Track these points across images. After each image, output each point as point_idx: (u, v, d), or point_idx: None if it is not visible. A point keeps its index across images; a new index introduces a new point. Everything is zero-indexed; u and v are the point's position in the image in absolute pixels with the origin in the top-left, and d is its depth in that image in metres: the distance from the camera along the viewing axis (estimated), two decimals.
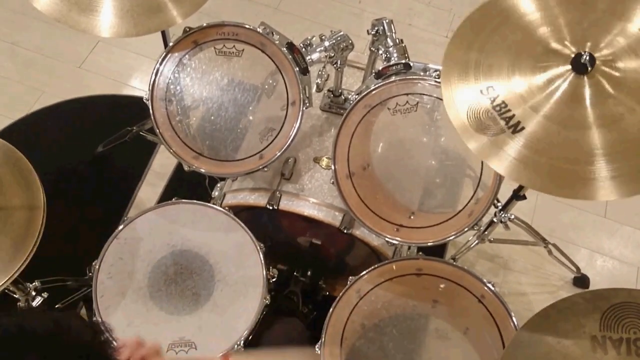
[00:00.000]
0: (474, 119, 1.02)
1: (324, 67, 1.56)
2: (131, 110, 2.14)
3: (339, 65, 1.47)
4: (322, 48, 1.42)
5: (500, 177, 1.21)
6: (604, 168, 0.95)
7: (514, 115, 1.00)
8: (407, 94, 1.30)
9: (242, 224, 1.38)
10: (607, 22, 1.01)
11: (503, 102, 1.02)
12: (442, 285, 1.32)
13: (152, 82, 1.39)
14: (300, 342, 1.34)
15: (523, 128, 1.00)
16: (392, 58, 1.35)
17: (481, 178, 1.33)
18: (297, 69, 1.34)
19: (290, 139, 1.35)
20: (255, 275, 1.34)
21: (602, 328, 0.90)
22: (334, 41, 1.42)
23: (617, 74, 0.98)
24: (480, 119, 1.02)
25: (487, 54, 1.05)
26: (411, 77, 1.25)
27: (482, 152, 1.01)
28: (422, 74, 1.25)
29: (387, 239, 1.32)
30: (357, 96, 1.28)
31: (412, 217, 1.38)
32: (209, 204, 1.42)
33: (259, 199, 1.44)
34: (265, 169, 1.38)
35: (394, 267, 1.32)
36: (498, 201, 1.49)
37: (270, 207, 1.40)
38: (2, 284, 1.16)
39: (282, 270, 1.58)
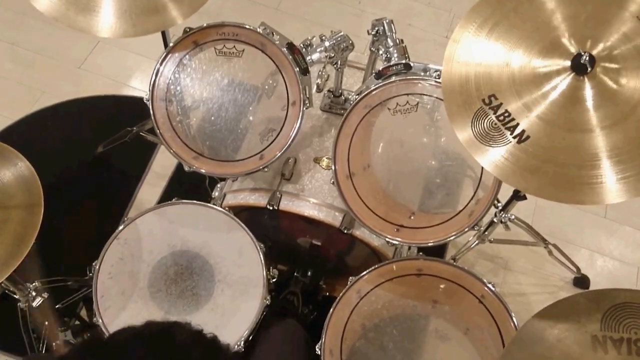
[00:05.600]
0: (479, 131, 1.02)
1: (324, 67, 1.56)
2: (131, 110, 2.15)
3: (339, 65, 1.47)
4: (322, 48, 1.42)
5: None
6: (612, 170, 0.94)
7: (518, 124, 1.00)
8: (407, 94, 1.30)
9: (243, 224, 1.38)
10: (602, 16, 0.99)
11: (506, 110, 1.01)
12: (442, 286, 1.31)
13: (152, 83, 1.39)
14: (298, 342, 1.33)
15: (528, 137, 0.99)
16: (393, 58, 1.35)
17: (481, 178, 1.33)
18: (298, 69, 1.34)
19: (291, 140, 1.35)
20: (255, 275, 1.34)
21: (603, 328, 0.90)
22: (334, 41, 1.42)
23: (617, 68, 0.97)
24: (485, 131, 1.01)
25: (484, 70, 1.04)
26: (411, 77, 1.25)
27: (491, 165, 1.01)
28: (422, 74, 1.25)
29: (387, 239, 1.32)
30: (357, 96, 1.28)
31: (412, 218, 1.38)
32: (209, 205, 1.42)
33: (259, 199, 1.44)
34: (266, 170, 1.38)
35: (394, 267, 1.32)
36: (498, 201, 1.49)
37: (271, 208, 1.40)
38: None
39: (282, 270, 1.58)
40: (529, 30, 1.02)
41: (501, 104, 1.02)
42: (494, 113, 1.02)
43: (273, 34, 1.34)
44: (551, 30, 1.01)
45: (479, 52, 1.05)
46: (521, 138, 0.99)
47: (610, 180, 0.94)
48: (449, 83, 1.06)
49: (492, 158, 1.01)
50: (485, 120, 1.02)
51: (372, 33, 1.40)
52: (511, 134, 1.00)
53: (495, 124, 1.01)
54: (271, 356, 1.28)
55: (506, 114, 1.01)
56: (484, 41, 1.04)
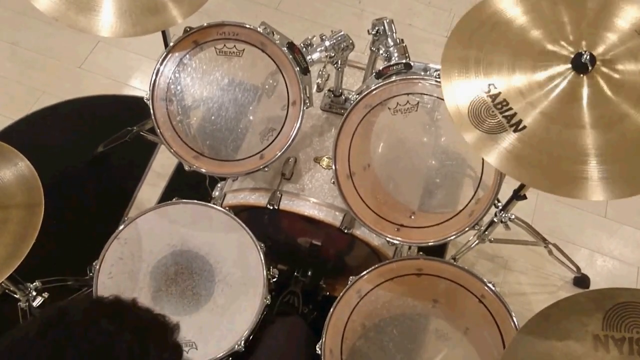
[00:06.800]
0: (475, 117, 1.02)
1: (324, 67, 1.56)
2: (131, 110, 2.15)
3: (339, 65, 1.47)
4: (322, 48, 1.42)
5: (501, 176, 1.21)
6: (596, 169, 0.96)
7: (515, 114, 1.00)
8: (407, 94, 1.30)
9: (243, 224, 1.38)
10: (605, 19, 1.01)
11: (504, 99, 1.01)
12: (442, 285, 1.31)
13: (152, 82, 1.39)
14: (303, 340, 1.33)
15: (525, 127, 1.00)
16: (393, 58, 1.35)
17: (482, 178, 1.32)
18: (298, 68, 1.34)
19: (291, 139, 1.35)
20: (255, 275, 1.34)
21: (605, 327, 0.90)
22: (335, 41, 1.42)
23: (616, 75, 0.99)
24: (481, 117, 1.02)
25: (487, 52, 1.05)
26: (412, 77, 1.25)
27: (483, 150, 1.02)
28: (422, 73, 1.25)
29: (387, 238, 1.32)
30: (357, 96, 1.28)
31: (412, 217, 1.38)
32: (209, 204, 1.42)
33: (259, 199, 1.44)
34: (266, 169, 1.38)
35: (395, 267, 1.32)
36: (498, 201, 1.49)
37: (271, 207, 1.40)
38: None
39: (282, 270, 1.58)
40: (531, 28, 1.03)
41: (500, 92, 1.02)
42: (492, 101, 1.02)
43: (273, 34, 1.34)
44: (553, 29, 1.02)
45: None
46: (517, 127, 1.00)
47: (592, 178, 0.96)
48: (449, 69, 1.07)
49: (487, 145, 1.02)
50: (483, 107, 1.03)
51: (373, 33, 1.40)
52: (508, 122, 1.01)
53: (493, 111, 1.02)
54: (274, 354, 1.27)
55: (504, 103, 1.02)
56: (474, 83, 1.06)
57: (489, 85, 1.03)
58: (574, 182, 0.97)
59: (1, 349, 0.61)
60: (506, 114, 1.01)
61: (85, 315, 0.64)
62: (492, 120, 1.01)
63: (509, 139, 1.00)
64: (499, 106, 1.01)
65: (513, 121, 1.00)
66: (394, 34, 1.38)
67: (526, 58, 1.03)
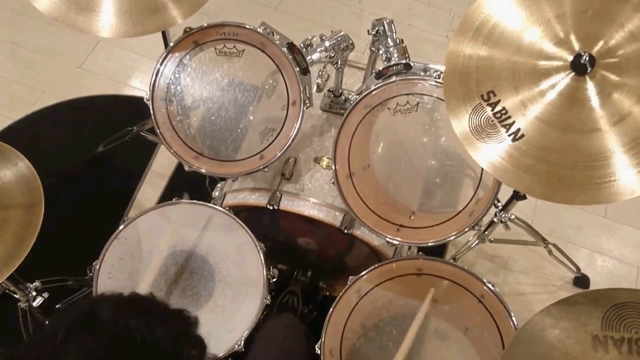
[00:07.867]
0: (476, 127, 1.02)
1: (324, 67, 1.56)
2: (131, 110, 2.15)
3: (339, 65, 1.47)
4: (322, 48, 1.42)
5: None
6: (596, 172, 0.95)
7: (514, 122, 1.00)
8: (407, 94, 1.30)
9: (243, 224, 1.38)
10: (604, 15, 1.00)
11: (503, 108, 1.01)
12: (442, 285, 1.32)
13: (152, 82, 1.39)
14: (302, 332, 1.33)
15: (523, 135, 0.99)
16: (393, 58, 1.35)
17: (481, 178, 1.33)
18: (298, 69, 1.34)
19: (291, 139, 1.35)
20: (255, 275, 1.34)
21: (604, 327, 0.90)
22: (335, 41, 1.42)
23: (617, 76, 0.97)
24: (481, 127, 1.02)
25: (487, 58, 1.04)
26: (412, 77, 1.25)
27: (484, 161, 1.02)
28: (422, 74, 1.25)
29: (387, 239, 1.32)
30: (357, 96, 1.28)
31: (412, 217, 1.38)
32: (209, 204, 1.42)
33: (259, 199, 1.44)
34: (266, 169, 1.38)
35: (394, 267, 1.33)
36: (498, 201, 1.49)
37: (271, 207, 1.40)
38: None
39: (282, 270, 1.58)
40: (529, 29, 1.02)
41: (499, 100, 1.02)
42: (492, 110, 1.02)
43: (273, 34, 1.34)
44: (552, 29, 1.01)
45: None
46: (516, 136, 1.00)
47: (624, 177, 0.94)
48: (450, 76, 1.06)
49: (486, 154, 1.02)
50: (483, 116, 1.03)
51: (372, 33, 1.40)
52: (506, 132, 1.01)
53: (492, 120, 1.02)
54: (272, 351, 1.27)
55: (503, 111, 1.02)
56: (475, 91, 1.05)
57: (489, 92, 1.02)
58: (573, 188, 0.96)
59: (30, 349, 0.62)
60: (505, 123, 1.01)
61: (114, 316, 0.65)
62: (492, 130, 1.01)
63: (510, 150, 1.00)
64: (498, 115, 1.01)
65: (512, 130, 1.00)
66: (394, 34, 1.38)
67: (525, 64, 1.02)
